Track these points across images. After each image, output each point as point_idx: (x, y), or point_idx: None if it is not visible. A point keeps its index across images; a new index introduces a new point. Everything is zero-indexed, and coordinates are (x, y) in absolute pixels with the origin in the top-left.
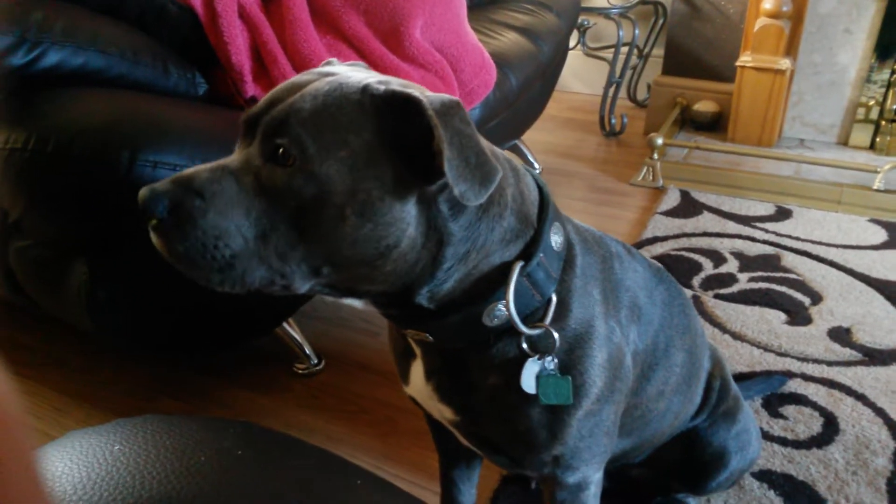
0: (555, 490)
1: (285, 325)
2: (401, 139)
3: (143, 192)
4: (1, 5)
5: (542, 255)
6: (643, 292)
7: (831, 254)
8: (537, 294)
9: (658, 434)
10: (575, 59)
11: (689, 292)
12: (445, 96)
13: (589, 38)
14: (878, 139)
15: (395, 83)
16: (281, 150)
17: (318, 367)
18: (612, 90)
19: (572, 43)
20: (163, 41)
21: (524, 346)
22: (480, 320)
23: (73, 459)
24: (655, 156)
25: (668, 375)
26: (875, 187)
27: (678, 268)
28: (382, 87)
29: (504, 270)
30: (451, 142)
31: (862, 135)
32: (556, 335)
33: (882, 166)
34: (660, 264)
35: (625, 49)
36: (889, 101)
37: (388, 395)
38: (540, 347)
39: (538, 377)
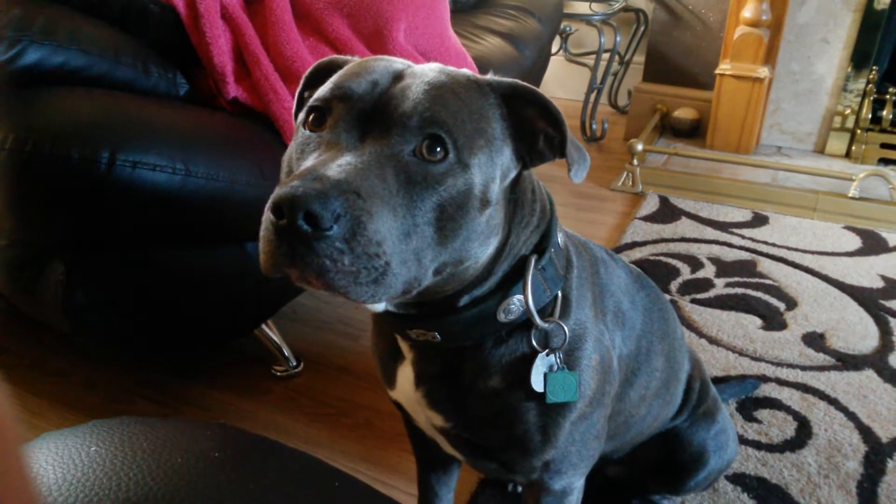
0: (540, 496)
1: (264, 326)
2: (509, 125)
3: (304, 192)
4: None
5: (552, 250)
6: (626, 297)
7: (806, 260)
8: (548, 290)
9: (638, 436)
10: (557, 65)
11: (666, 297)
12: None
13: (571, 43)
14: (853, 147)
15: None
16: (437, 144)
17: (296, 370)
18: (593, 96)
19: (554, 48)
20: (144, 41)
21: (533, 342)
22: (495, 316)
23: (48, 461)
24: (635, 161)
25: (650, 380)
26: (850, 195)
27: (656, 273)
28: (502, 80)
29: (519, 264)
30: (565, 127)
31: (838, 143)
32: (566, 329)
33: (857, 174)
34: (640, 270)
35: (606, 55)
36: (864, 110)
37: (366, 398)
38: (550, 343)
39: (546, 375)
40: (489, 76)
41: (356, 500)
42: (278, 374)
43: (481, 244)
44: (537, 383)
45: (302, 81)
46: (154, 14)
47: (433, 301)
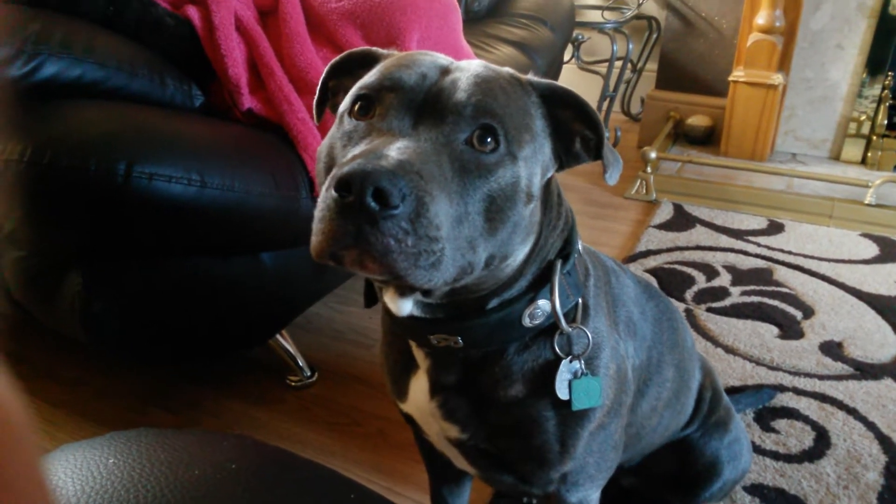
0: None
1: (279, 336)
2: (548, 125)
3: (371, 171)
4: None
5: (575, 256)
6: (636, 308)
7: (823, 268)
8: (571, 295)
9: (648, 447)
10: (569, 73)
11: (681, 306)
12: None
13: (583, 52)
14: (869, 154)
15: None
16: (490, 134)
17: (310, 380)
18: (606, 104)
19: (567, 57)
20: (160, 53)
21: (556, 348)
22: (520, 320)
23: (67, 473)
24: (649, 169)
25: (661, 391)
26: (866, 202)
27: (671, 281)
28: (541, 80)
29: (546, 269)
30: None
31: (853, 149)
32: (589, 335)
33: (873, 181)
34: (648, 280)
35: (619, 63)
36: (880, 117)
37: (380, 408)
38: (573, 349)
39: (570, 382)
40: (529, 76)
41: None
42: (292, 383)
43: (523, 240)
44: (562, 391)
45: (327, 70)
46: (169, 27)
47: (464, 302)
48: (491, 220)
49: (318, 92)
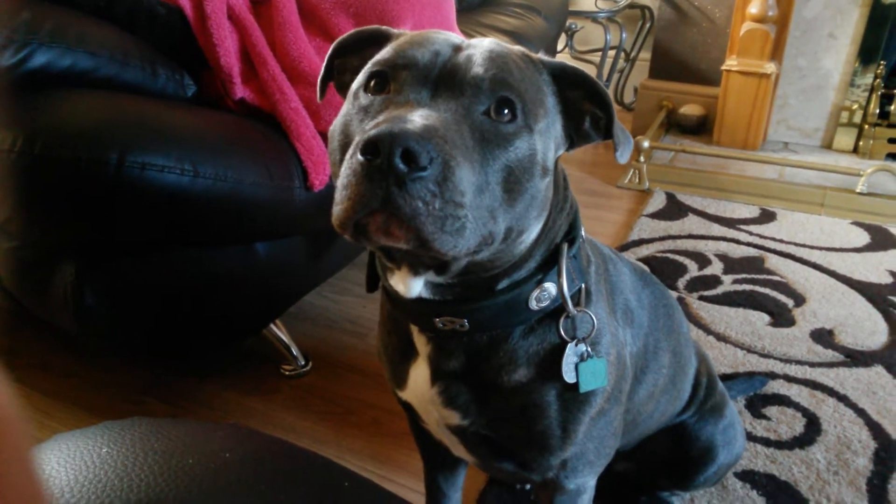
0: (554, 495)
1: (273, 326)
2: (559, 103)
3: (399, 132)
4: None
5: (580, 240)
6: (633, 295)
7: (814, 256)
8: (576, 279)
9: (645, 431)
10: None
11: (674, 294)
12: None
13: (577, 41)
14: (861, 143)
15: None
16: (509, 106)
17: (305, 369)
18: None
19: (560, 46)
20: (151, 43)
21: (561, 332)
22: (527, 303)
23: (60, 462)
24: (642, 158)
25: (657, 377)
26: (858, 190)
27: (663, 270)
28: (552, 59)
29: (553, 253)
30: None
31: (845, 138)
32: (594, 318)
33: (865, 170)
34: (644, 267)
35: (612, 52)
36: (872, 105)
37: (374, 397)
38: (577, 332)
39: (577, 365)
40: (540, 55)
41: (367, 500)
42: (287, 373)
43: (538, 215)
44: (569, 374)
45: (334, 47)
46: (161, 16)
47: (474, 282)
48: (510, 190)
49: (323, 69)
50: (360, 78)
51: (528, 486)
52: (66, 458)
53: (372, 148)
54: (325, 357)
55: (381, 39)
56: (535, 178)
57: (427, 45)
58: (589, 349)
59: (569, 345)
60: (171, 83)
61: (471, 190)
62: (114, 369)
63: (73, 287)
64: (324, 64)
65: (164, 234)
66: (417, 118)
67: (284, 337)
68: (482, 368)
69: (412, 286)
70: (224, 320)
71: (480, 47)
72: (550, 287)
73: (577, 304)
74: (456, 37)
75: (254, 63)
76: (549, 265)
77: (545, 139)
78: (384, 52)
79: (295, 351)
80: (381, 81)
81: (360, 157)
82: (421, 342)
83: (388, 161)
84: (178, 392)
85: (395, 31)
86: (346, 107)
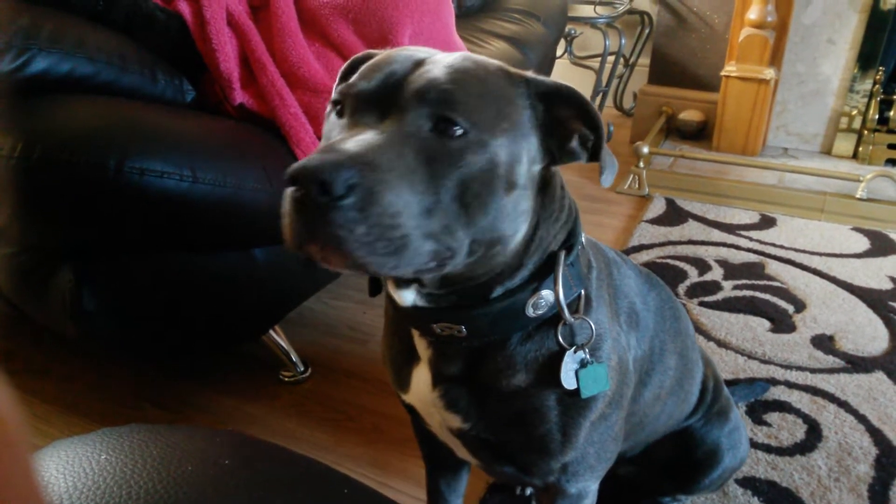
0: (556, 499)
1: (272, 332)
2: (537, 120)
3: (318, 163)
4: None
5: (578, 247)
6: (638, 298)
7: (814, 262)
8: (574, 287)
9: (652, 435)
10: (562, 68)
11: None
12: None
13: (576, 47)
14: (860, 148)
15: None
16: (451, 122)
17: (304, 375)
18: (598, 99)
19: (559, 52)
20: (151, 48)
21: (560, 338)
22: (524, 310)
23: (59, 469)
24: (641, 164)
25: (664, 379)
26: (858, 196)
27: (664, 275)
28: (544, 79)
29: (549, 260)
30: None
31: (845, 144)
32: (592, 326)
33: (865, 175)
34: (649, 270)
35: (611, 58)
36: (871, 111)
37: (374, 403)
38: (576, 339)
39: (576, 372)
40: (529, 73)
41: None
42: (286, 379)
43: (510, 227)
44: (568, 381)
45: (345, 67)
46: (160, 21)
47: (466, 290)
48: (468, 205)
49: (334, 89)
50: (329, 104)
51: (529, 491)
52: (65, 465)
53: (293, 181)
54: (324, 363)
55: None
56: (496, 192)
57: (386, 64)
58: (588, 355)
59: (567, 351)
60: (170, 88)
61: (414, 210)
62: (112, 374)
63: (71, 292)
64: (335, 84)
65: (162, 239)
66: (349, 145)
67: (283, 343)
68: (481, 373)
69: (404, 296)
70: (223, 326)
71: (440, 62)
72: (547, 295)
73: (575, 310)
74: (424, 52)
75: (253, 69)
76: (545, 273)
77: (510, 152)
78: (352, 78)
79: (294, 357)
80: (342, 106)
81: (287, 189)
82: (422, 346)
83: (305, 193)
84: (176, 397)
85: (383, 53)
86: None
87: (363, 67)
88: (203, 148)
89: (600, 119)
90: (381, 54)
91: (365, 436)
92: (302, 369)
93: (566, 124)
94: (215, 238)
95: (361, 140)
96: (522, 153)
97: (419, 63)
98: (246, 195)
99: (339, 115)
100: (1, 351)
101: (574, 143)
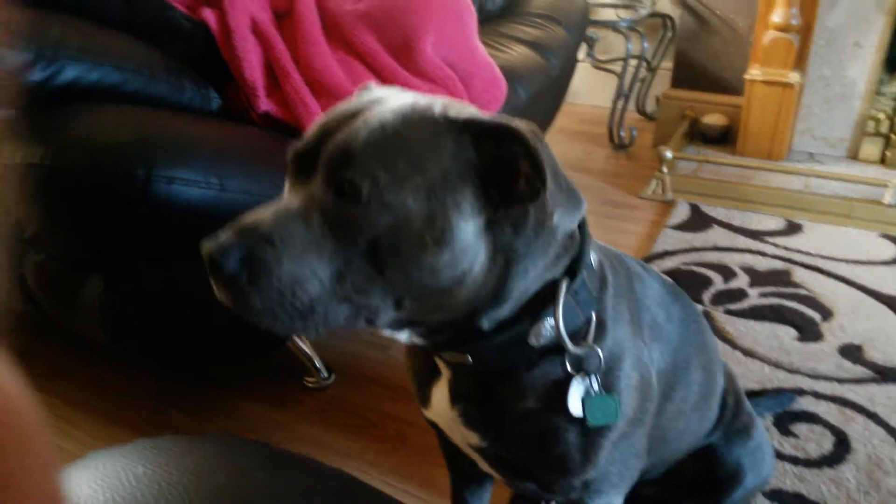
0: None
1: (296, 338)
2: (479, 164)
3: (210, 247)
4: (18, 21)
5: (585, 273)
6: (662, 311)
7: (842, 269)
8: (581, 313)
9: (675, 452)
10: (583, 72)
11: (699, 307)
12: (527, 123)
13: (597, 50)
14: (888, 153)
15: (468, 110)
16: (350, 184)
17: (328, 381)
18: (620, 103)
19: (580, 55)
20: (177, 56)
21: (568, 366)
22: (526, 340)
23: (97, 481)
24: (665, 169)
25: (687, 394)
26: (885, 202)
27: (688, 282)
28: (483, 119)
29: (550, 289)
30: (549, 171)
31: (872, 148)
32: (601, 354)
33: (892, 180)
34: (673, 281)
35: (633, 62)
36: None
37: (397, 410)
38: (585, 367)
39: (583, 399)
40: (467, 114)
41: None
42: (310, 385)
43: (446, 280)
44: (575, 408)
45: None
46: (186, 30)
47: (450, 327)
48: (381, 267)
49: None
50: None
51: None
52: (103, 477)
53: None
54: (347, 370)
55: None
56: (413, 250)
57: (320, 123)
58: (596, 384)
59: (574, 378)
60: (196, 96)
61: (318, 277)
62: (137, 379)
63: (101, 299)
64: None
65: (190, 247)
66: (250, 219)
67: (307, 349)
68: (495, 395)
69: (398, 335)
70: (248, 332)
71: (364, 117)
72: (549, 323)
73: (583, 337)
74: (366, 102)
75: (277, 76)
76: (546, 302)
77: (425, 210)
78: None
79: (318, 363)
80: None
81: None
82: (442, 365)
83: (213, 269)
84: (200, 402)
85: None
86: None
87: (312, 123)
88: (230, 156)
89: (542, 155)
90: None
91: (388, 443)
92: (325, 375)
93: (512, 164)
94: None
95: (271, 212)
96: (448, 207)
97: (348, 119)
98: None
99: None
100: (27, 353)
101: (522, 186)
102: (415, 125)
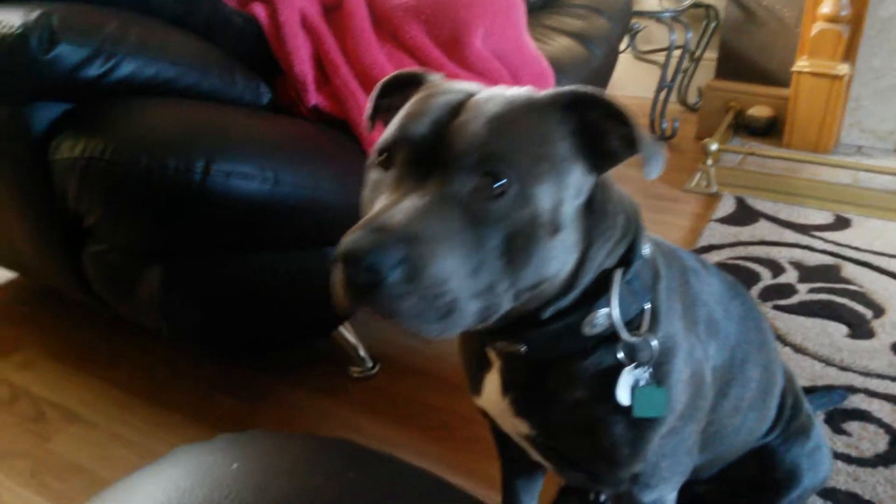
0: None
1: (342, 328)
2: (578, 136)
3: (362, 248)
4: (77, 17)
5: (638, 263)
6: (719, 307)
7: (892, 265)
8: (634, 303)
9: (731, 450)
10: (625, 62)
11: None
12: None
13: (639, 41)
14: None
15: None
16: (494, 178)
17: (372, 371)
18: (663, 94)
19: (622, 46)
20: (228, 51)
21: (620, 355)
22: (580, 329)
23: (191, 478)
24: (709, 161)
25: (744, 391)
26: None
27: (736, 278)
28: (561, 91)
29: (604, 278)
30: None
31: None
32: (654, 343)
33: None
34: (734, 278)
35: (676, 52)
36: None
37: (442, 401)
38: (637, 357)
39: (633, 389)
40: (548, 91)
41: None
42: (355, 374)
43: (555, 268)
44: (623, 397)
45: (378, 88)
46: (237, 25)
47: (515, 317)
48: (512, 260)
49: (369, 108)
50: (373, 154)
51: (603, 497)
52: (197, 474)
53: (342, 259)
54: (392, 360)
55: (420, 82)
56: (540, 241)
57: (424, 115)
58: (648, 375)
59: (625, 368)
60: (248, 91)
61: (460, 275)
62: (186, 366)
63: (159, 290)
64: (369, 104)
65: (244, 239)
66: (394, 218)
67: (353, 339)
68: (547, 384)
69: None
70: (298, 321)
71: (476, 109)
72: (603, 313)
73: (636, 327)
74: (459, 93)
75: (326, 70)
76: (600, 292)
77: (553, 195)
78: (390, 126)
79: (363, 352)
80: (386, 158)
81: (337, 265)
82: (493, 355)
83: (357, 273)
84: (247, 389)
85: (429, 77)
86: (366, 177)
87: (402, 117)
88: (283, 150)
89: (626, 110)
90: (427, 87)
91: (433, 433)
92: (370, 365)
93: (598, 127)
94: (294, 238)
95: (405, 209)
96: (566, 190)
97: (456, 110)
98: (322, 195)
99: (384, 166)
100: (84, 342)
101: (613, 143)
102: (527, 113)
